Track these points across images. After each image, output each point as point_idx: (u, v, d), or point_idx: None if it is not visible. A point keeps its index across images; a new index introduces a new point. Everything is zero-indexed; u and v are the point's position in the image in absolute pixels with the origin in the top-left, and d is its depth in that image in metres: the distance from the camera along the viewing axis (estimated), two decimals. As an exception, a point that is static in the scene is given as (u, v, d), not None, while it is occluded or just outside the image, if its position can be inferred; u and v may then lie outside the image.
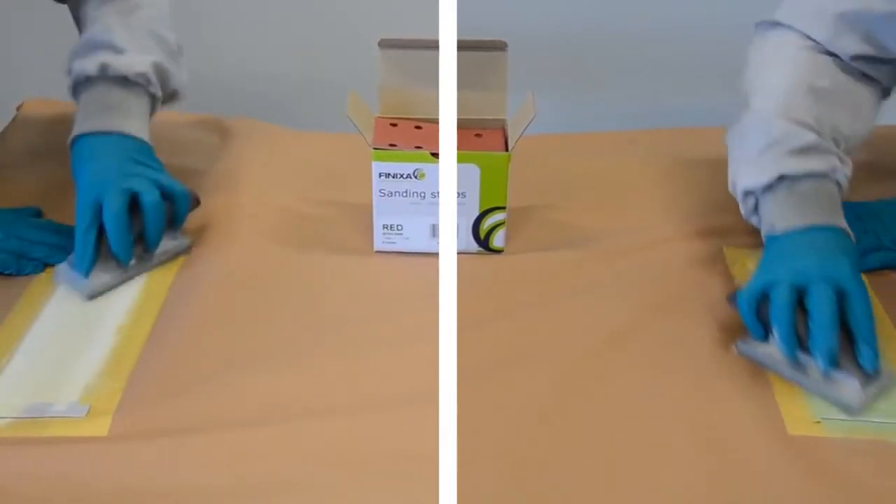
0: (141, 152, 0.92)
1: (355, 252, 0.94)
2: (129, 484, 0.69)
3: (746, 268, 0.91)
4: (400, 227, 0.93)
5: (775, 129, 0.85)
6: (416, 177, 0.90)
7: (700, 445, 0.73)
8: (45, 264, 0.90)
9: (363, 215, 0.94)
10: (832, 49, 0.88)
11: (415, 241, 0.93)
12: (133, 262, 0.88)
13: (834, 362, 0.75)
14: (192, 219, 0.96)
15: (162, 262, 0.91)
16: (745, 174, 0.86)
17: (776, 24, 0.92)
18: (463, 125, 0.83)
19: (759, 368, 0.80)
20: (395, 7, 1.32)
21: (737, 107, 0.92)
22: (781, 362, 0.78)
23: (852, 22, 0.86)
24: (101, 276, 0.87)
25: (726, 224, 0.96)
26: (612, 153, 1.12)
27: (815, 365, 0.76)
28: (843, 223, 0.82)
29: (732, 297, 0.83)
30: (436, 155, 0.89)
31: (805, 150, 0.84)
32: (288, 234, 0.96)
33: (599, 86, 1.41)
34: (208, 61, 1.37)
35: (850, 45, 0.87)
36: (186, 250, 0.93)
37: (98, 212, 0.86)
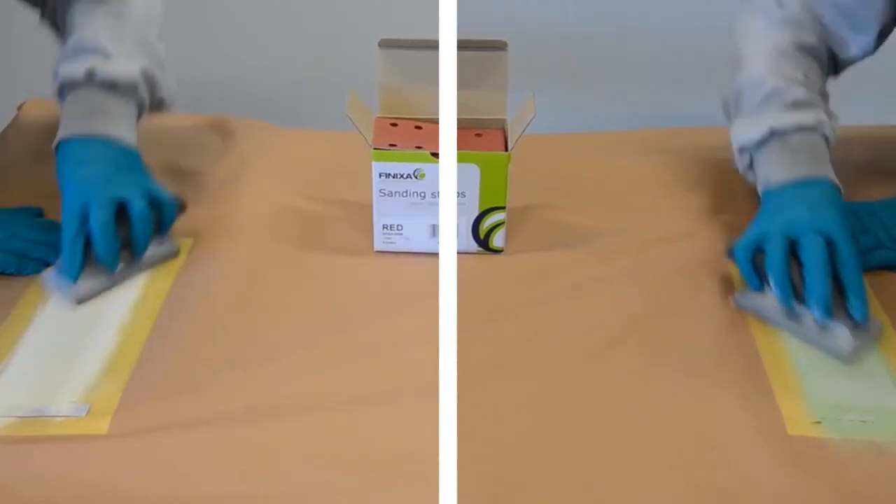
0: (127, 158, 0.91)
1: (355, 252, 0.94)
2: (129, 483, 0.70)
3: (746, 268, 0.91)
4: (400, 227, 0.93)
5: (769, 84, 0.90)
6: (416, 177, 0.90)
7: (700, 445, 0.73)
8: (46, 264, 0.89)
9: (363, 215, 0.94)
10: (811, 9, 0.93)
11: (415, 241, 0.93)
12: (120, 267, 0.88)
13: (829, 312, 0.78)
14: (193, 220, 0.96)
15: (149, 267, 0.91)
16: (740, 130, 0.91)
17: None
18: (463, 125, 0.83)
19: (757, 368, 0.80)
20: (395, 7, 1.32)
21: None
22: (777, 313, 0.81)
23: (812, 9, 0.92)
24: (88, 282, 0.86)
25: (726, 224, 0.96)
26: (612, 153, 1.12)
27: (809, 315, 0.79)
28: (832, 175, 0.86)
29: (729, 252, 0.86)
30: (436, 155, 0.89)
31: (795, 105, 0.88)
32: (288, 234, 0.96)
33: (599, 86, 1.41)
34: (209, 61, 1.37)
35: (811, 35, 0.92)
36: (174, 255, 0.92)
37: (85, 220, 0.85)
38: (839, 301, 0.79)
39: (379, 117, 0.95)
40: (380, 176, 0.90)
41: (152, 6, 1.00)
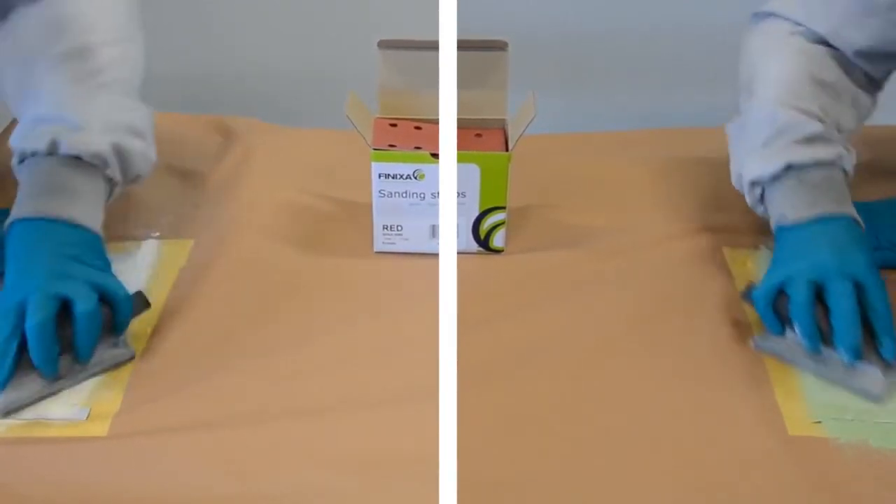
0: (84, 245, 0.80)
1: (355, 253, 0.94)
2: (130, 484, 0.70)
3: (746, 267, 0.91)
4: (400, 228, 0.93)
5: (781, 118, 0.85)
6: (415, 177, 0.90)
7: (700, 445, 0.73)
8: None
9: (363, 215, 0.94)
10: (834, 42, 0.88)
11: (414, 241, 0.93)
12: (61, 373, 0.77)
13: (859, 356, 0.76)
14: (195, 221, 0.95)
15: (98, 373, 0.79)
16: (752, 164, 0.86)
17: (773, 15, 0.92)
18: (463, 125, 0.83)
19: (758, 369, 0.80)
20: (395, 7, 1.32)
21: (737, 106, 0.92)
22: (802, 355, 0.79)
23: (863, 13, 0.86)
24: (21, 390, 0.75)
25: (726, 224, 0.96)
26: (612, 153, 1.12)
27: (835, 355, 0.77)
28: (853, 211, 0.83)
29: (747, 294, 0.83)
30: (435, 155, 0.89)
31: (812, 139, 0.84)
32: (288, 234, 0.96)
33: (599, 86, 1.41)
34: (209, 60, 1.37)
35: (857, 39, 0.87)
36: (128, 359, 0.80)
37: (22, 318, 0.74)
38: (867, 339, 0.77)
39: (378, 118, 0.95)
40: (379, 177, 0.90)
41: (132, 60, 0.90)
